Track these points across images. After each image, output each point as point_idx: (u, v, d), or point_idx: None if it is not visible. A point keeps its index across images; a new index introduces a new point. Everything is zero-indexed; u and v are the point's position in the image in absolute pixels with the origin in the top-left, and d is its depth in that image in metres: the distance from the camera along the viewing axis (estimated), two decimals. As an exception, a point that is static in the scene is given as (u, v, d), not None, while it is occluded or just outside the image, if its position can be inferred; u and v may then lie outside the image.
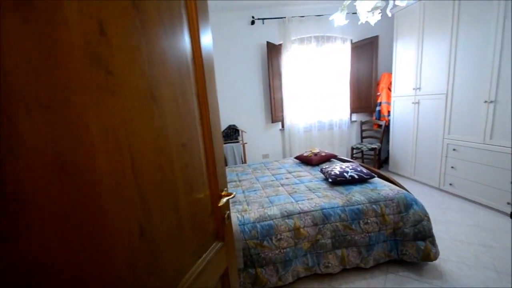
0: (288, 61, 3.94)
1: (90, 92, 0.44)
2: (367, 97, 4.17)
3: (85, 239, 0.44)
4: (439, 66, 2.93)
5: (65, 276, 0.41)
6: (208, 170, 0.84)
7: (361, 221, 1.78)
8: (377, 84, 4.09)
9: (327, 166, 2.42)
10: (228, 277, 0.98)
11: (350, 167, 2.22)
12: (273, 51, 3.88)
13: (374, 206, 1.81)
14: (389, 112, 3.90)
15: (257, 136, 4.19)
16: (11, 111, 0.34)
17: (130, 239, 0.53)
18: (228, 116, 4.03)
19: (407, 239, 1.79)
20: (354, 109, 4.36)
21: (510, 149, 2.27)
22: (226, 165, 3.75)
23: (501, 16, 2.26)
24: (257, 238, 1.64)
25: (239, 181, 2.55)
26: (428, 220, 1.80)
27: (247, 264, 1.63)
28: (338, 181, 2.11)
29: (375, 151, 3.84)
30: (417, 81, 3.26)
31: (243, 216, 1.74)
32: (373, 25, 2.22)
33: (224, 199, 0.88)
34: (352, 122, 4.43)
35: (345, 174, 2.13)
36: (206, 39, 0.82)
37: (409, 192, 1.95)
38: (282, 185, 2.30)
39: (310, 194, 2.00)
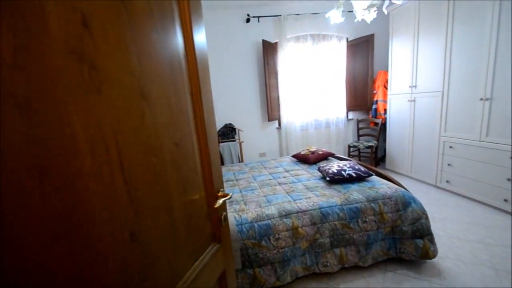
0: (284, 59, 3.92)
1: (73, 88, 0.42)
2: (363, 95, 4.17)
3: (69, 247, 0.41)
4: (435, 63, 2.93)
5: (47, 288, 0.38)
6: (203, 171, 0.81)
7: (359, 220, 1.77)
8: (373, 82, 4.09)
9: (324, 165, 2.41)
10: (225, 279, 0.96)
11: (348, 165, 2.21)
12: (269, 50, 3.85)
13: (372, 204, 1.80)
14: (385, 110, 3.90)
15: (254, 135, 4.17)
16: (-17, 109, 0.31)
17: (120, 245, 0.50)
18: (224, 115, 4.00)
19: (405, 237, 1.79)
20: (350, 107, 4.36)
21: (506, 146, 2.28)
22: (223, 164, 3.72)
23: (496, 13, 2.26)
24: (255, 238, 1.62)
25: (236, 180, 2.52)
26: (427, 218, 1.80)
27: (245, 264, 1.61)
28: (336, 180, 2.10)
29: (371, 149, 3.84)
30: (413, 79, 3.27)
31: (241, 216, 1.72)
32: (369, 23, 2.20)
33: (221, 200, 0.85)
34: (348, 120, 4.42)
35: (342, 172, 2.12)
36: (200, 36, 0.79)
37: (407, 190, 1.94)
38: (279, 184, 2.28)
39: (308, 193, 1.98)
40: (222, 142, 3.81)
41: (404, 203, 1.83)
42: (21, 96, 0.35)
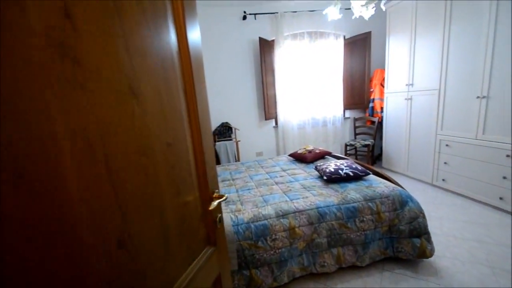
0: (281, 57, 3.89)
1: (53, 84, 0.38)
2: (360, 93, 4.16)
3: (48, 256, 0.37)
4: (432, 62, 2.92)
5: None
6: (197, 171, 0.78)
7: (356, 219, 1.76)
8: (370, 80, 4.08)
9: (321, 164, 2.39)
10: (221, 283, 0.93)
11: (345, 164, 2.19)
12: (265, 47, 3.82)
13: (369, 203, 1.79)
14: (382, 108, 3.90)
15: (251, 134, 4.14)
16: None
17: (107, 253, 0.47)
18: (221, 114, 3.95)
19: (402, 236, 1.78)
20: (347, 106, 4.35)
21: (502, 144, 2.28)
22: (219, 163, 3.68)
23: (493, 12, 2.26)
24: (252, 239, 1.59)
25: (233, 179, 2.49)
26: (424, 217, 1.79)
27: (242, 265, 1.59)
28: (333, 179, 2.08)
29: (368, 147, 3.84)
30: (410, 77, 3.26)
31: (237, 217, 1.69)
32: (367, 19, 2.18)
33: (215, 202, 0.82)
34: (345, 118, 4.42)
35: (340, 171, 2.10)
36: (194, 32, 0.76)
37: (404, 189, 1.93)
38: (276, 183, 2.26)
39: (305, 193, 1.96)
40: (218, 141, 3.77)
41: (401, 202, 1.82)
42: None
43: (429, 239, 1.77)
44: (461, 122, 2.67)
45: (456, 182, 2.80)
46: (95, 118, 0.45)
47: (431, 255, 1.73)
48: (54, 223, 0.38)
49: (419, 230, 1.75)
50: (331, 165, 2.23)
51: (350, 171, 2.10)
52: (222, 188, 2.26)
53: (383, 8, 2.17)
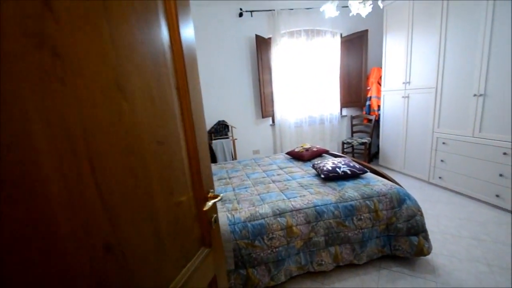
0: (278, 55, 3.86)
1: (30, 78, 0.35)
2: (357, 91, 4.15)
3: (28, 264, 0.35)
4: (429, 60, 2.92)
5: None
6: (191, 171, 0.76)
7: (354, 218, 1.74)
8: (367, 78, 4.07)
9: (319, 162, 2.37)
10: (216, 284, 0.91)
11: (343, 162, 2.18)
12: (262, 45, 3.78)
13: (367, 202, 1.78)
14: (379, 106, 3.90)
15: (247, 132, 4.11)
16: None
17: (92, 259, 0.44)
18: (217, 112, 3.92)
19: (400, 234, 1.77)
20: (344, 104, 4.34)
21: (499, 141, 2.29)
22: (216, 161, 3.66)
23: (490, 10, 2.25)
24: (248, 238, 1.57)
25: (229, 178, 2.47)
26: (421, 215, 1.78)
27: (238, 265, 1.57)
28: (331, 177, 2.06)
29: (365, 145, 3.83)
30: (406, 75, 3.25)
31: (233, 216, 1.67)
32: (364, 16, 2.16)
33: (210, 202, 0.80)
34: (342, 116, 4.41)
35: (337, 169, 2.08)
36: (186, 26, 0.73)
37: (401, 187, 1.92)
38: (273, 181, 2.24)
39: (303, 191, 1.95)
40: (215, 139, 3.74)
41: (399, 200, 1.81)
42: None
43: (426, 237, 1.76)
44: (457, 120, 2.67)
45: (452, 180, 2.81)
46: (77, 115, 0.42)
47: (428, 253, 1.73)
48: (31, 228, 0.35)
49: (416, 228, 1.75)
50: (328, 163, 2.22)
51: (348, 169, 2.08)
52: (219, 186, 2.24)
53: (381, 5, 2.15)
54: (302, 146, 2.99)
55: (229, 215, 1.68)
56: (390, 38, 3.48)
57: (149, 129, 0.58)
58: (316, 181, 2.14)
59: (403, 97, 3.34)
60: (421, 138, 3.15)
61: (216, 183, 2.33)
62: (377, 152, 4.16)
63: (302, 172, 2.43)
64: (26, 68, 0.35)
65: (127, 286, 0.52)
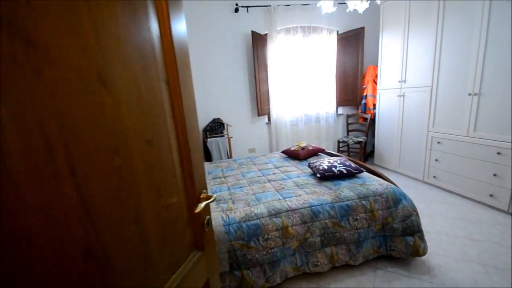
0: (274, 51, 3.81)
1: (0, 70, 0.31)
2: (353, 90, 4.14)
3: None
4: (424, 58, 2.91)
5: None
6: (182, 171, 0.72)
7: (350, 218, 1.72)
8: (363, 76, 4.06)
9: (315, 161, 2.35)
10: (209, 288, 0.88)
11: (339, 162, 2.16)
12: (258, 41, 3.73)
13: (363, 201, 1.76)
14: (374, 105, 3.89)
15: (243, 130, 4.07)
16: None
17: (71, 267, 0.40)
18: (212, 109, 3.86)
19: (396, 234, 1.76)
20: (340, 102, 4.33)
21: (493, 141, 2.29)
22: (211, 160, 3.61)
23: (486, 9, 2.25)
24: (243, 239, 1.54)
25: (224, 177, 2.43)
26: (417, 215, 1.77)
27: (233, 266, 1.54)
28: (327, 176, 2.04)
29: (360, 144, 3.83)
30: (402, 73, 3.25)
31: (228, 216, 1.63)
32: (361, 12, 2.14)
33: (203, 204, 0.76)
34: (338, 115, 4.40)
35: (333, 169, 2.06)
36: (177, 17, 0.69)
37: (397, 186, 1.91)
38: (269, 181, 2.21)
39: (298, 190, 1.92)
40: (210, 137, 3.69)
41: (395, 200, 1.80)
42: None
43: (422, 237, 1.76)
44: (452, 119, 2.68)
45: (447, 179, 2.82)
46: (54, 110, 0.38)
47: (424, 254, 1.72)
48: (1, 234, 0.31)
49: (412, 228, 1.74)
50: (324, 162, 2.19)
51: (344, 168, 2.06)
52: (213, 186, 2.20)
53: (378, 2, 2.13)
54: (298, 145, 2.96)
55: (224, 215, 1.64)
56: (386, 36, 3.47)
57: (136, 127, 0.54)
58: (312, 180, 2.11)
59: (398, 95, 3.33)
60: (416, 137, 3.15)
61: (211, 182, 2.29)
62: (373, 151, 4.17)
63: (298, 171, 2.40)
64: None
65: (111, 296, 0.48)
